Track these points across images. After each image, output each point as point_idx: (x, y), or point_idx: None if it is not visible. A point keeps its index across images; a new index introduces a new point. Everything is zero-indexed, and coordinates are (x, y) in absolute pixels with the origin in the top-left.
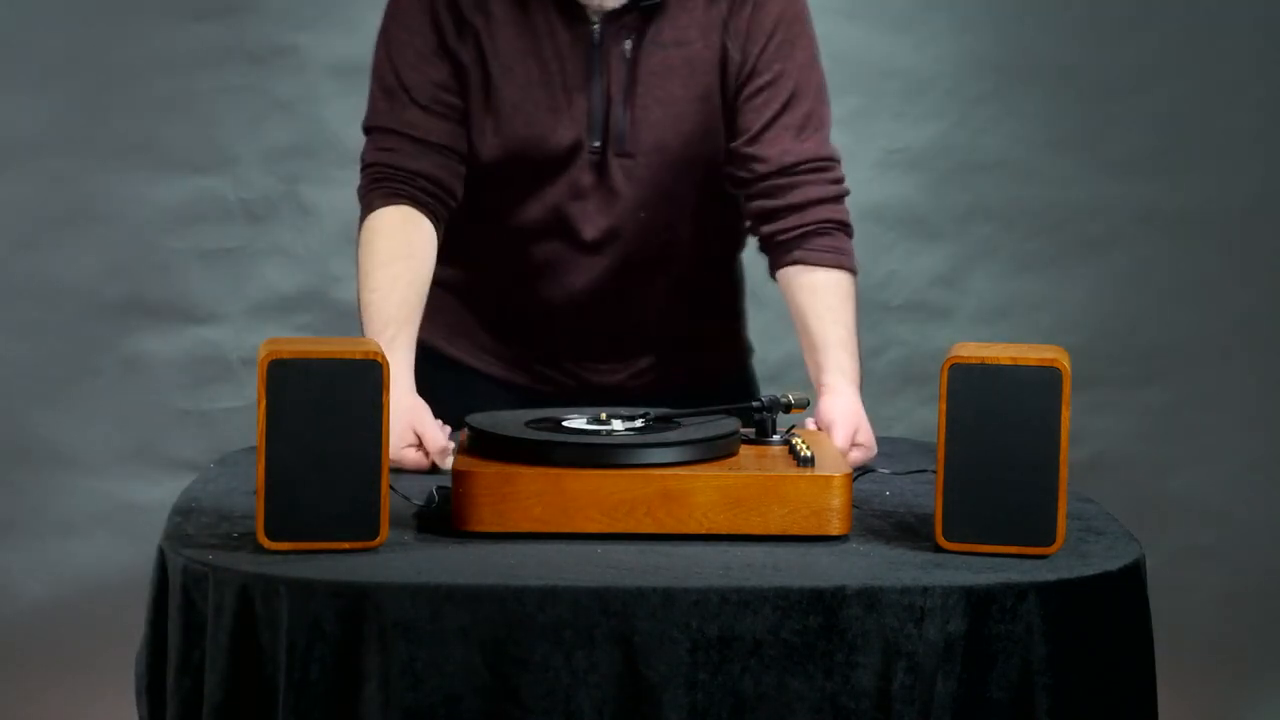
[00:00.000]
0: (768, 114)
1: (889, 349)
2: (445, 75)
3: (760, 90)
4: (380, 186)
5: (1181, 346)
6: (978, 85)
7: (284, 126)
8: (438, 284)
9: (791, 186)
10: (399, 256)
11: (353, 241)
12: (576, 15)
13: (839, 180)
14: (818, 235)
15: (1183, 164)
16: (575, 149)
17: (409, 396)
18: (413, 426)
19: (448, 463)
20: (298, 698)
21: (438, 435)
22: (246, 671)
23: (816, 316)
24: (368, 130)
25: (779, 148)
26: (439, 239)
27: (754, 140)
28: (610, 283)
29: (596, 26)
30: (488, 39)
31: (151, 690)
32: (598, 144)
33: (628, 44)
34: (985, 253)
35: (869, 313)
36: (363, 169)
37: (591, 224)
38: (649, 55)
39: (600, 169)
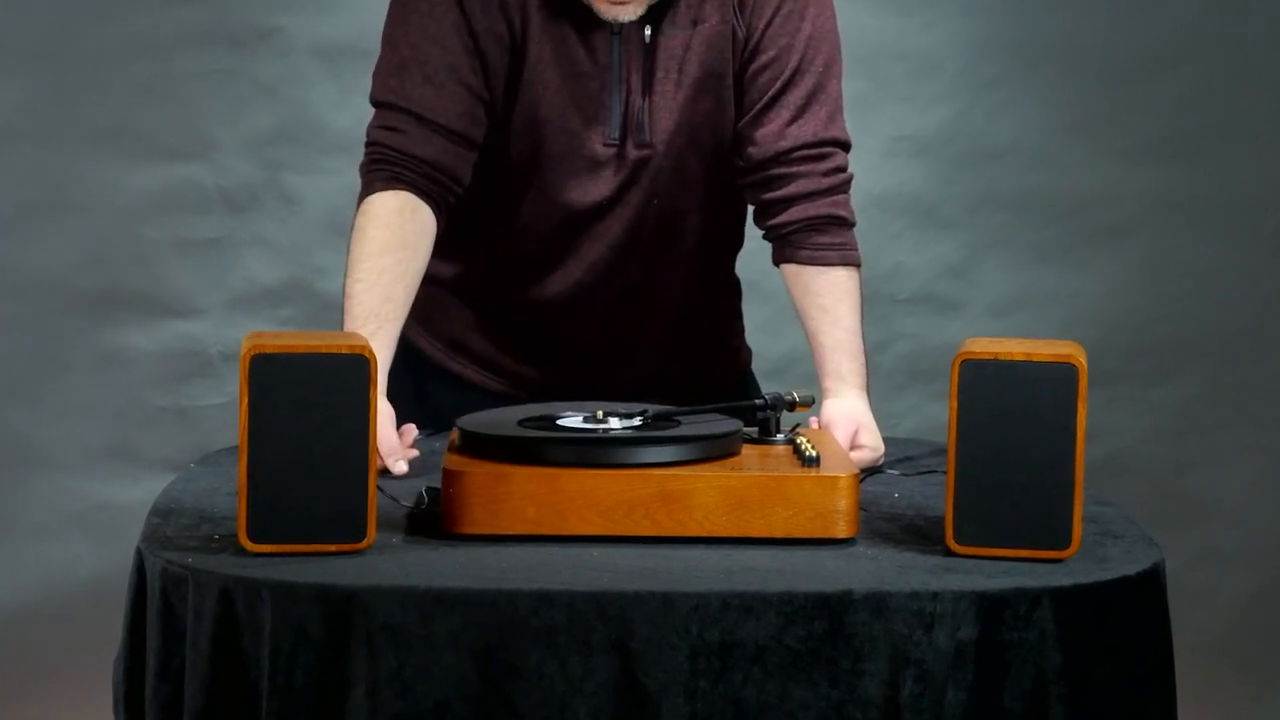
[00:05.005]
0: (769, 93)
1: (896, 343)
2: (466, 55)
3: (764, 68)
4: (381, 169)
5: (1202, 340)
6: (989, 67)
7: (266, 111)
8: (437, 282)
9: (786, 178)
10: (391, 248)
11: (339, 231)
12: (593, 18)
13: (839, 168)
14: (813, 232)
15: (1204, 149)
16: (599, 147)
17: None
18: None
19: (399, 468)
20: (281, 705)
21: (390, 435)
22: (228, 678)
23: (813, 320)
24: (375, 103)
25: (774, 132)
26: (440, 228)
27: (752, 122)
28: (618, 274)
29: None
30: (525, 44)
31: (130, 698)
32: (616, 136)
33: (646, 30)
34: (997, 243)
35: (875, 305)
36: (367, 144)
37: (604, 214)
38: (668, 39)
39: (618, 161)
